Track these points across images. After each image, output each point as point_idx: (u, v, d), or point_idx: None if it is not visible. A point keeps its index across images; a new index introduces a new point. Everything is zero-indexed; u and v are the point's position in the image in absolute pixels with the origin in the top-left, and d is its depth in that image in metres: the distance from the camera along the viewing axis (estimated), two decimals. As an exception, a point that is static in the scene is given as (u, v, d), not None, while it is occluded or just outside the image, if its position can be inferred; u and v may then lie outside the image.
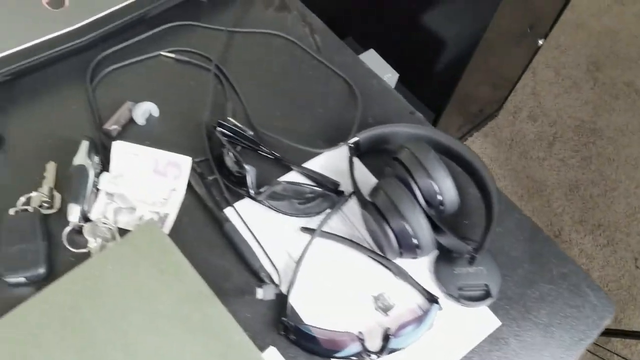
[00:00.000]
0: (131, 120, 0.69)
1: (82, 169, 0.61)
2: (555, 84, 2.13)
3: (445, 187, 0.62)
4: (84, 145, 0.63)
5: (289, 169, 0.69)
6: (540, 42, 1.64)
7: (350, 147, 0.69)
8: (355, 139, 0.69)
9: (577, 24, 2.30)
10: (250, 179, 0.64)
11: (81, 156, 0.62)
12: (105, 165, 0.65)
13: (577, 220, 1.82)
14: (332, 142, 0.72)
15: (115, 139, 0.68)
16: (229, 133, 0.68)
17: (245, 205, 0.66)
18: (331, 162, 0.71)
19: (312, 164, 0.70)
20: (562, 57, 2.20)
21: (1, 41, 0.67)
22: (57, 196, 0.63)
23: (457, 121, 1.70)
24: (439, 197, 0.62)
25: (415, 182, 0.62)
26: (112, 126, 0.67)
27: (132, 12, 0.74)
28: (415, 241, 0.60)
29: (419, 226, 0.59)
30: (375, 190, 0.63)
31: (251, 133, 0.70)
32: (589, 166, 1.94)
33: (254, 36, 0.80)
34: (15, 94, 0.69)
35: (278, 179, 0.67)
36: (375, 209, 0.61)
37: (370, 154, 0.71)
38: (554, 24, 1.59)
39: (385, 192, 0.61)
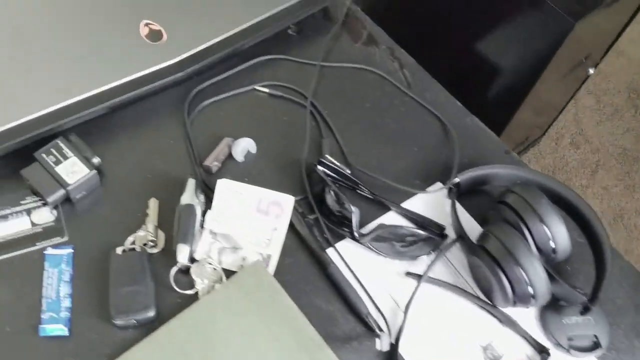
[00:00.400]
0: (229, 156, 0.68)
1: (191, 208, 0.60)
2: (596, 110, 2.11)
3: (558, 234, 0.61)
4: (191, 183, 0.62)
5: (387, 209, 0.68)
6: (591, 71, 1.62)
7: (451, 189, 0.68)
8: (456, 180, 0.68)
9: (617, 51, 2.28)
10: (355, 220, 0.62)
11: (189, 195, 0.61)
12: (207, 203, 0.64)
13: (622, 250, 1.79)
14: (427, 181, 0.71)
15: (214, 175, 0.67)
16: (328, 172, 0.67)
17: (346, 246, 0.65)
18: (429, 202, 0.69)
19: (411, 204, 0.69)
20: (603, 83, 2.19)
21: (101, 75, 0.67)
22: (161, 234, 0.62)
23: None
24: (552, 244, 0.61)
25: (528, 228, 0.61)
26: (212, 163, 0.66)
27: (227, 46, 0.73)
28: (531, 290, 0.58)
29: (536, 274, 0.58)
30: (485, 236, 0.61)
31: (348, 171, 0.69)
32: (633, 195, 1.92)
33: (345, 70, 0.79)
34: (113, 126, 0.69)
35: (382, 223, 0.65)
36: (488, 255, 0.60)
37: (466, 194, 0.69)
38: (606, 53, 1.58)
39: (498, 237, 0.60)
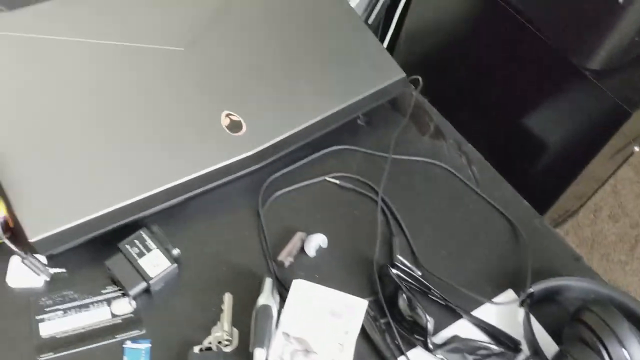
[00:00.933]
0: (302, 250, 0.69)
1: (268, 310, 0.60)
2: (636, 183, 2.09)
3: (637, 358, 0.60)
4: (268, 283, 0.62)
5: (458, 316, 0.67)
6: (637, 149, 1.62)
7: (525, 301, 0.67)
8: (530, 290, 0.67)
9: (657, 123, 2.27)
10: (429, 330, 0.62)
11: (266, 295, 0.61)
12: (281, 302, 0.64)
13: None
14: (499, 286, 0.70)
15: (287, 269, 0.67)
16: (401, 274, 0.67)
17: (418, 355, 0.64)
18: (501, 310, 0.68)
19: (482, 312, 0.68)
20: (642, 155, 2.17)
21: (183, 166, 0.68)
22: (235, 332, 0.62)
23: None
24: (631, 370, 0.60)
25: (607, 352, 0.60)
26: (286, 258, 0.67)
27: (302, 138, 0.75)
28: (610, 418, 0.57)
29: (616, 403, 0.57)
30: (562, 357, 0.60)
31: (419, 273, 0.69)
32: (673, 273, 1.88)
33: (413, 164, 0.80)
34: (189, 215, 0.70)
35: (457, 335, 0.64)
36: (565, 377, 0.59)
37: (536, 303, 0.69)
38: (652, 132, 1.58)
39: (576, 360, 0.59)
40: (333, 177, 0.76)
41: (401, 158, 0.80)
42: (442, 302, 0.68)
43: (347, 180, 0.77)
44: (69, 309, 0.61)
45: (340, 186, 0.76)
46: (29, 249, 0.61)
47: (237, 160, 0.71)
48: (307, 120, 0.76)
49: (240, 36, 0.79)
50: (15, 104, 0.66)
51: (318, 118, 0.77)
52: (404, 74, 0.85)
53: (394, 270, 0.67)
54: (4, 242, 0.63)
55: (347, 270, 0.69)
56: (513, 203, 0.78)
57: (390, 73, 0.84)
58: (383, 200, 0.75)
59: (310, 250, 0.69)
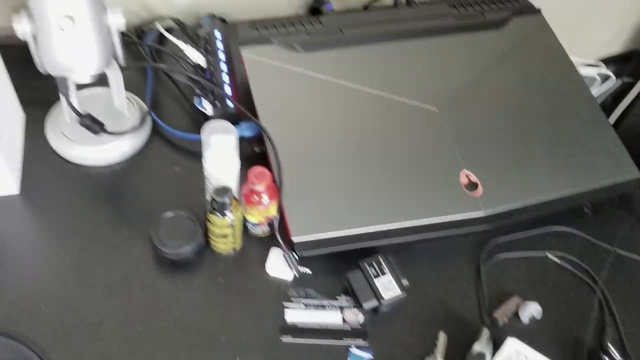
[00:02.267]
0: (515, 314, 0.73)
1: (482, 357, 0.65)
2: None
3: None
4: (486, 334, 0.68)
5: None
6: None
7: None
8: None
9: None
10: None
11: (482, 344, 0.66)
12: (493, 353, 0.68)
13: None
14: None
15: (499, 328, 0.72)
16: (612, 364, 0.68)
17: None
18: None
19: None
20: None
21: (422, 210, 0.77)
22: (445, 368, 0.68)
23: None
24: None
25: None
26: (501, 317, 0.72)
27: (531, 212, 0.80)
28: None
29: None
30: None
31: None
32: None
33: (636, 264, 0.80)
34: (418, 252, 0.78)
35: None
36: None
37: None
38: None
39: None
40: (554, 255, 0.80)
41: (625, 255, 0.81)
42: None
43: (567, 261, 0.80)
44: (309, 304, 0.71)
45: (560, 265, 0.79)
46: (288, 246, 0.74)
47: (469, 218, 0.78)
48: (539, 197, 0.81)
49: (487, 107, 0.88)
50: (302, 128, 0.81)
51: (550, 197, 0.81)
52: (639, 174, 0.86)
53: (605, 357, 0.68)
54: (266, 236, 0.77)
55: (556, 345, 0.71)
56: None
57: (626, 170, 0.86)
58: (602, 291, 0.77)
59: (524, 317, 0.73)
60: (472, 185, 0.80)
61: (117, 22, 0.69)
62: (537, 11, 0.98)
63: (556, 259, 0.80)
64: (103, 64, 0.70)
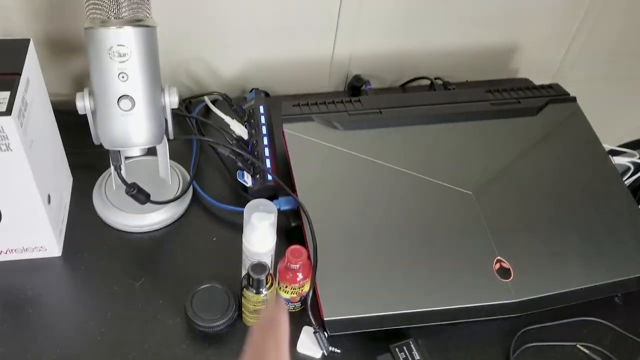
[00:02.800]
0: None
1: None
2: None
3: None
4: None
5: None
6: None
7: None
8: None
9: None
10: None
11: None
12: None
13: None
14: None
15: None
16: None
17: None
18: None
19: None
20: None
21: (452, 295, 0.78)
22: None
23: None
24: None
25: None
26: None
27: (563, 301, 0.80)
28: None
29: None
30: None
31: None
32: None
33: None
34: (447, 335, 0.78)
35: None
36: None
37: None
38: None
39: None
40: (584, 346, 0.79)
41: (655, 349, 0.80)
42: None
43: (597, 353, 0.79)
44: (338, 386, 0.72)
45: (590, 357, 0.78)
46: (319, 324, 0.75)
47: (500, 305, 0.78)
48: (572, 286, 0.81)
49: (521, 192, 0.89)
50: (338, 205, 0.83)
51: (582, 286, 0.81)
52: (673, 267, 0.86)
53: None
54: (297, 311, 0.78)
55: None
56: None
57: (659, 261, 0.86)
58: (633, 387, 0.76)
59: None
60: (504, 272, 0.81)
61: (172, 101, 0.73)
62: (573, 99, 1.00)
63: (586, 351, 0.79)
64: (156, 141, 0.74)
